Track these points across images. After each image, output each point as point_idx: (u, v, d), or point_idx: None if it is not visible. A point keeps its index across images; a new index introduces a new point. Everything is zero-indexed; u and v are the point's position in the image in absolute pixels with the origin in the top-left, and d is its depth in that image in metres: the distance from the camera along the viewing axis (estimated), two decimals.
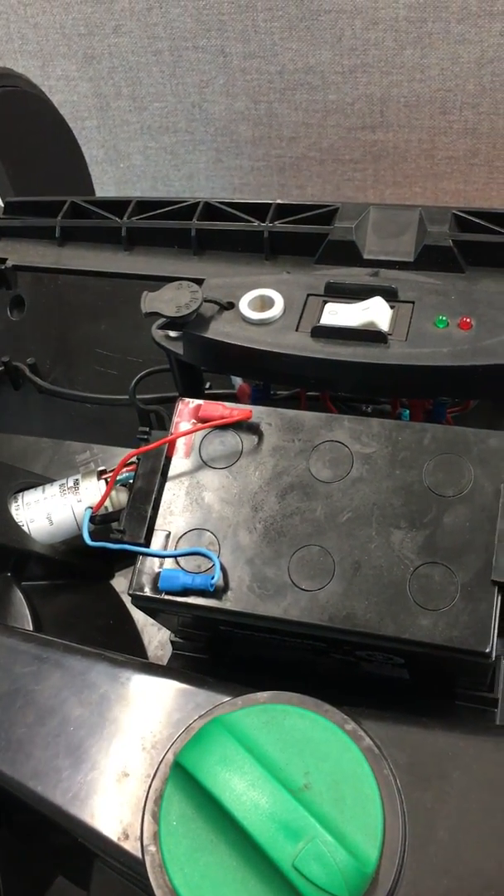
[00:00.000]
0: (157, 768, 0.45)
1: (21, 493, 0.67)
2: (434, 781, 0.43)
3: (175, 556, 0.51)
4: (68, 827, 0.46)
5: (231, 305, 0.58)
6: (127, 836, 0.44)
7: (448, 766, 0.43)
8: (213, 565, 0.50)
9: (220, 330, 0.57)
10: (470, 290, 0.59)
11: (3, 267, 0.80)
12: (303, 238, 0.72)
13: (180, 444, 0.55)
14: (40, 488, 0.67)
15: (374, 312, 0.55)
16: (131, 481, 0.55)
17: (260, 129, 1.27)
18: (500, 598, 0.47)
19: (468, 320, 0.55)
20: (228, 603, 0.50)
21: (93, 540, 0.54)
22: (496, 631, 0.46)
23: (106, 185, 1.40)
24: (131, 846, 0.44)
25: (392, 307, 0.56)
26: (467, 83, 1.15)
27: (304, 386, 0.62)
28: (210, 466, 0.54)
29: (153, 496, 0.54)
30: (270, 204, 0.74)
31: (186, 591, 0.50)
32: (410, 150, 1.24)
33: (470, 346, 0.54)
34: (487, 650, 0.46)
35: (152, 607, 0.53)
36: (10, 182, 0.90)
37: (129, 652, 0.64)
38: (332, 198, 1.27)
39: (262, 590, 0.50)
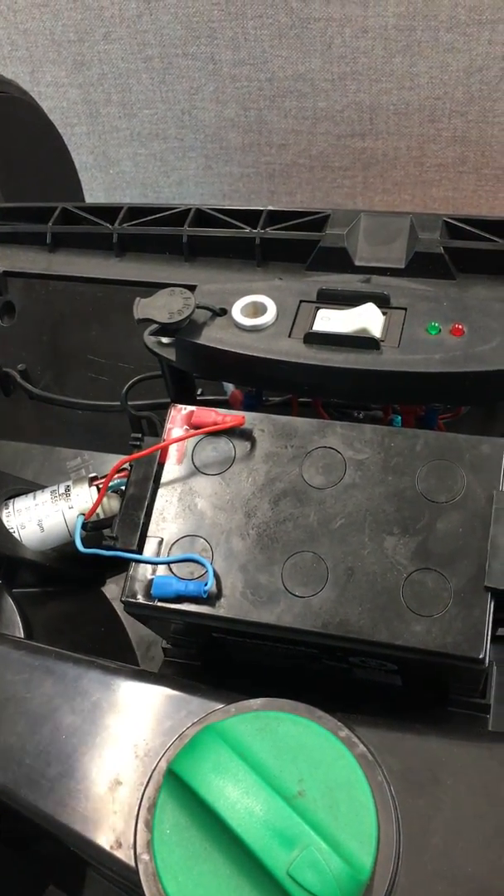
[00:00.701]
0: (151, 776, 0.45)
1: (12, 500, 0.67)
2: (427, 788, 0.43)
3: (168, 563, 0.51)
4: (61, 836, 0.46)
5: (224, 312, 0.58)
6: (120, 845, 0.44)
7: (441, 773, 0.43)
8: (206, 572, 0.50)
9: (213, 336, 0.57)
10: (461, 296, 0.60)
11: None
12: (294, 245, 0.72)
13: (173, 450, 0.55)
14: (31, 495, 0.66)
15: (367, 319, 0.56)
16: (123, 488, 0.55)
17: (250, 136, 1.28)
18: (493, 603, 0.47)
19: (460, 327, 0.55)
20: (222, 609, 0.50)
21: (85, 547, 0.54)
22: (489, 637, 0.46)
23: (95, 192, 1.40)
24: (124, 855, 0.44)
25: (384, 314, 0.57)
26: (456, 91, 1.15)
27: (296, 392, 0.62)
28: (203, 473, 0.54)
29: (146, 503, 0.53)
30: (262, 211, 0.74)
31: (179, 598, 0.50)
32: (400, 158, 1.24)
33: (462, 352, 0.54)
34: (481, 656, 0.46)
35: (145, 614, 0.53)
36: None
37: (121, 659, 0.63)
38: (321, 205, 1.27)
39: (255, 596, 0.49)
